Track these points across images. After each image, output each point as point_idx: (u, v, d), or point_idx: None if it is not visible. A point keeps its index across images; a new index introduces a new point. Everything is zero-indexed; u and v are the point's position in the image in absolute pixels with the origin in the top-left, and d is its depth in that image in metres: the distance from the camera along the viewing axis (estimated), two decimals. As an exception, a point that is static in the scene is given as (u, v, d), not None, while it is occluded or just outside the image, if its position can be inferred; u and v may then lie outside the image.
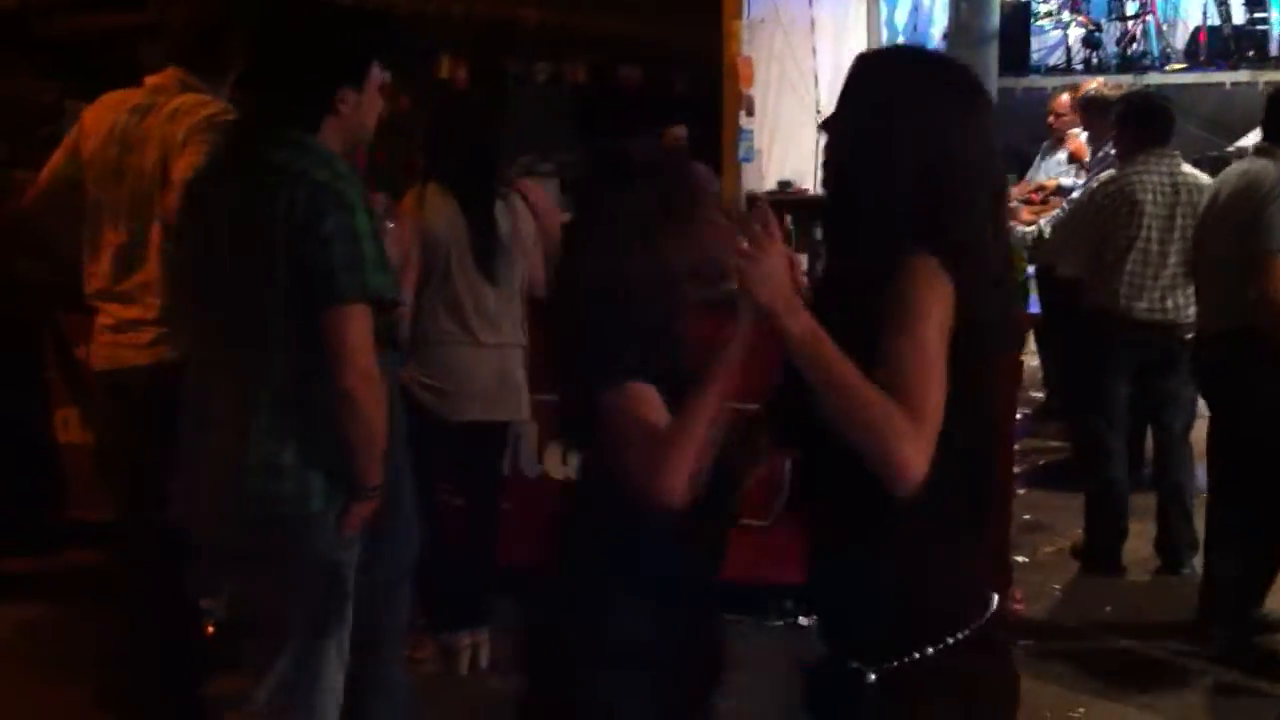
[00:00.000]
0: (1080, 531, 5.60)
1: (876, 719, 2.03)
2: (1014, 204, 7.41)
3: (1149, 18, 15.23)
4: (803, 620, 4.29)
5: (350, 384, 2.79)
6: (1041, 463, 6.84)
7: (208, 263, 2.92)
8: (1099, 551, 5.50)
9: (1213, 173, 6.96)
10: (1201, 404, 5.67)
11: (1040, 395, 7.81)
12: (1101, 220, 5.30)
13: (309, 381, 2.80)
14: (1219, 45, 14.89)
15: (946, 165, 1.97)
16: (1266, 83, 13.88)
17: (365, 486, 2.90)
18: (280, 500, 2.85)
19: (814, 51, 8.83)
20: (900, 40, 10.77)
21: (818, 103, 8.51)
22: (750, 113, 7.71)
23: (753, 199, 2.02)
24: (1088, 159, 7.50)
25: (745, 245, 1.94)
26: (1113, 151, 5.96)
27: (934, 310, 1.90)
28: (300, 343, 2.79)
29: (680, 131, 7.64)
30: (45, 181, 3.93)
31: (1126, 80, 12.35)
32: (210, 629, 3.73)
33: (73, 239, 3.86)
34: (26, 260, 4.83)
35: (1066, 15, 15.44)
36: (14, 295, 5.06)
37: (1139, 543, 5.52)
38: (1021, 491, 6.18)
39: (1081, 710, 4.32)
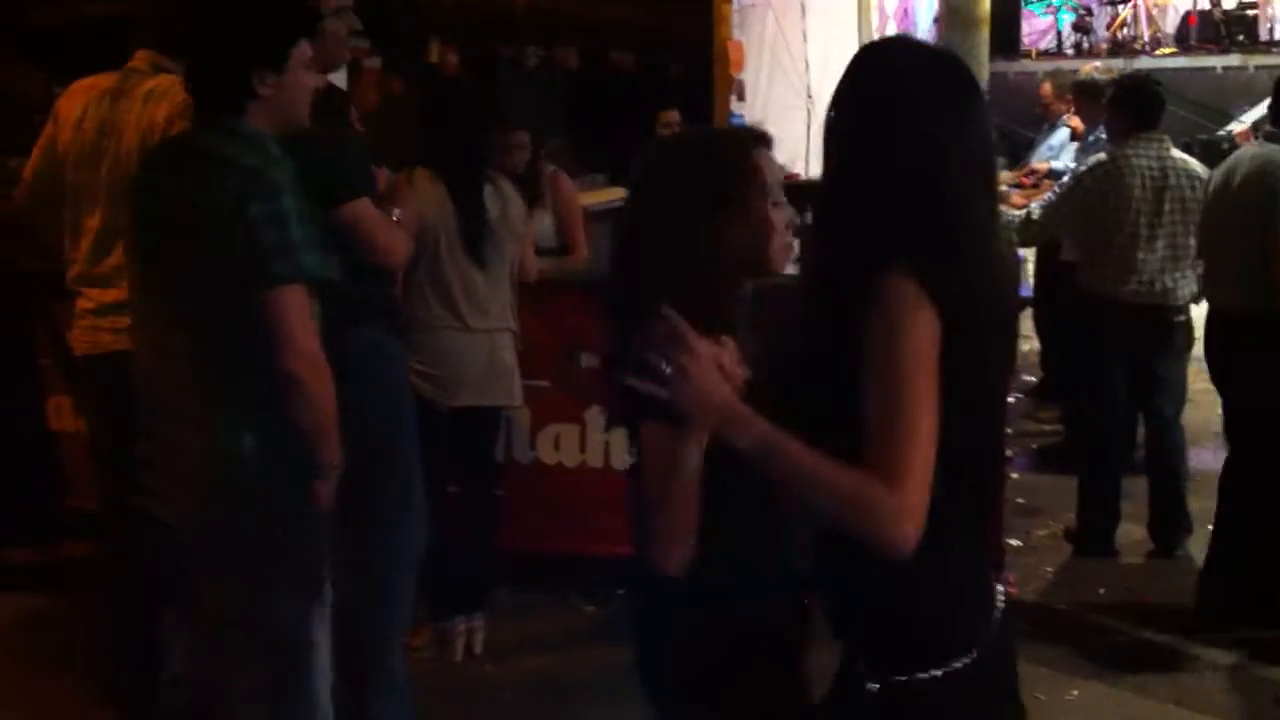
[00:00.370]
0: (1073, 515, 5.61)
1: None
2: (1005, 189, 7.43)
3: (1139, 2, 15.25)
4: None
5: (291, 365, 2.78)
6: (1035, 446, 6.85)
7: (150, 252, 2.93)
8: (1092, 534, 5.52)
9: (1203, 156, 7.02)
10: (1192, 386, 5.71)
11: (1033, 379, 7.82)
12: (1090, 203, 5.31)
13: (258, 367, 2.80)
14: (1209, 30, 14.92)
15: (943, 165, 1.92)
16: (1257, 67, 13.94)
17: (324, 465, 2.89)
18: (244, 487, 2.85)
19: (805, 36, 8.83)
20: (891, 24, 10.75)
21: (808, 87, 8.52)
22: (741, 97, 7.71)
23: (659, 312, 1.91)
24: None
25: (666, 370, 1.88)
26: (1104, 135, 5.98)
27: (913, 343, 1.84)
28: (243, 328, 2.78)
29: (673, 116, 7.64)
30: (29, 176, 3.93)
31: (1117, 65, 12.35)
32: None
33: (59, 227, 3.86)
34: (18, 248, 4.81)
35: (1057, -1, 15.48)
36: (6, 283, 5.05)
37: (1132, 526, 5.53)
38: (1015, 475, 6.18)
39: (1075, 693, 4.33)
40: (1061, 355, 6.90)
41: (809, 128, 8.23)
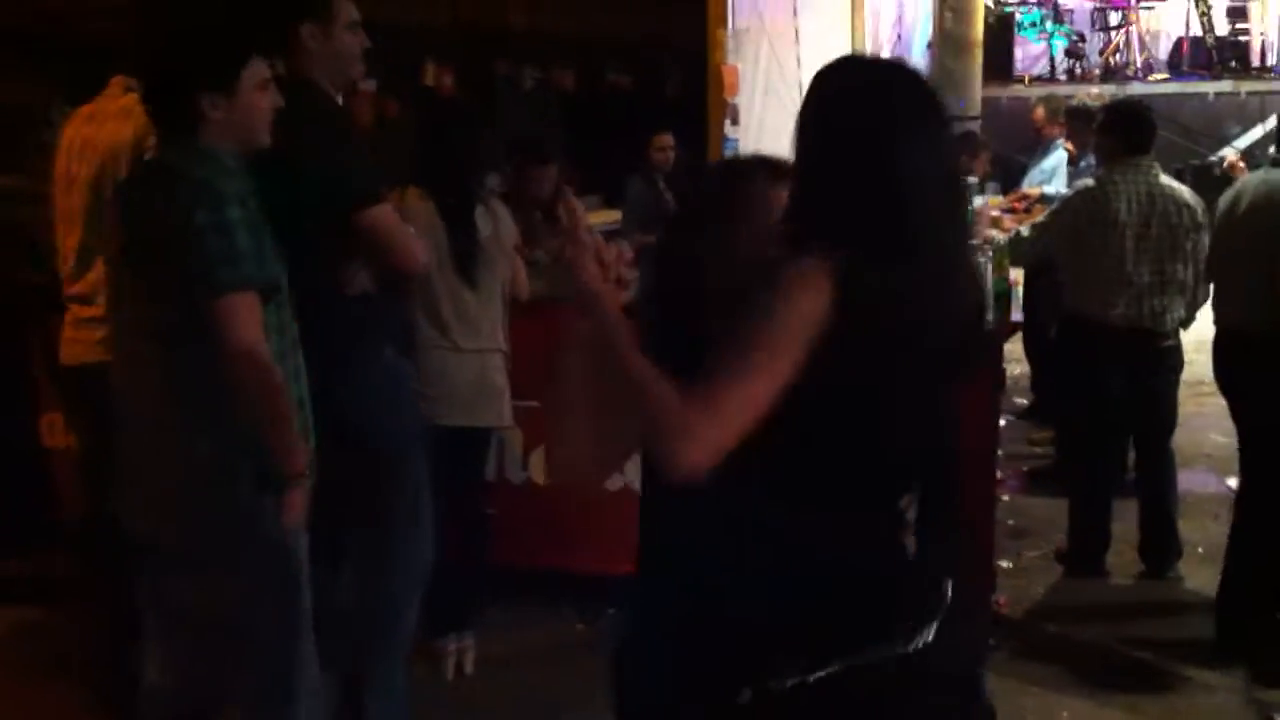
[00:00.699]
0: (1064, 536, 5.62)
1: None
2: (996, 213, 7.47)
3: (1132, 28, 15.33)
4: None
5: (240, 373, 2.81)
6: (1025, 469, 6.86)
7: (125, 262, 2.99)
8: (1083, 556, 5.53)
9: (1195, 181, 7.07)
10: (1183, 409, 5.73)
11: (1024, 402, 7.84)
12: (1077, 226, 5.35)
13: (213, 374, 2.83)
14: (1201, 55, 14.99)
15: (884, 174, 1.95)
16: (1248, 93, 14.02)
17: (289, 474, 2.90)
18: (205, 493, 2.88)
19: (799, 62, 8.86)
20: (885, 49, 10.80)
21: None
22: (735, 121, 7.74)
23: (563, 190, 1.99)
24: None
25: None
26: (1094, 160, 6.02)
27: (782, 317, 1.86)
28: (197, 336, 2.82)
29: (667, 140, 7.69)
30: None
31: (1110, 90, 12.43)
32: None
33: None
34: (15, 261, 4.88)
35: (1050, 25, 15.52)
36: (3, 297, 5.10)
37: (1122, 547, 5.55)
38: (1005, 497, 6.20)
39: (1065, 715, 4.33)
40: (1051, 378, 6.92)
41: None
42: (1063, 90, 12.57)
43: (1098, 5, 15.59)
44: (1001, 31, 14.75)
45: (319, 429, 3.07)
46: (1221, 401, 4.93)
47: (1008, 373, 7.11)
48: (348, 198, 3.33)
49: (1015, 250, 5.63)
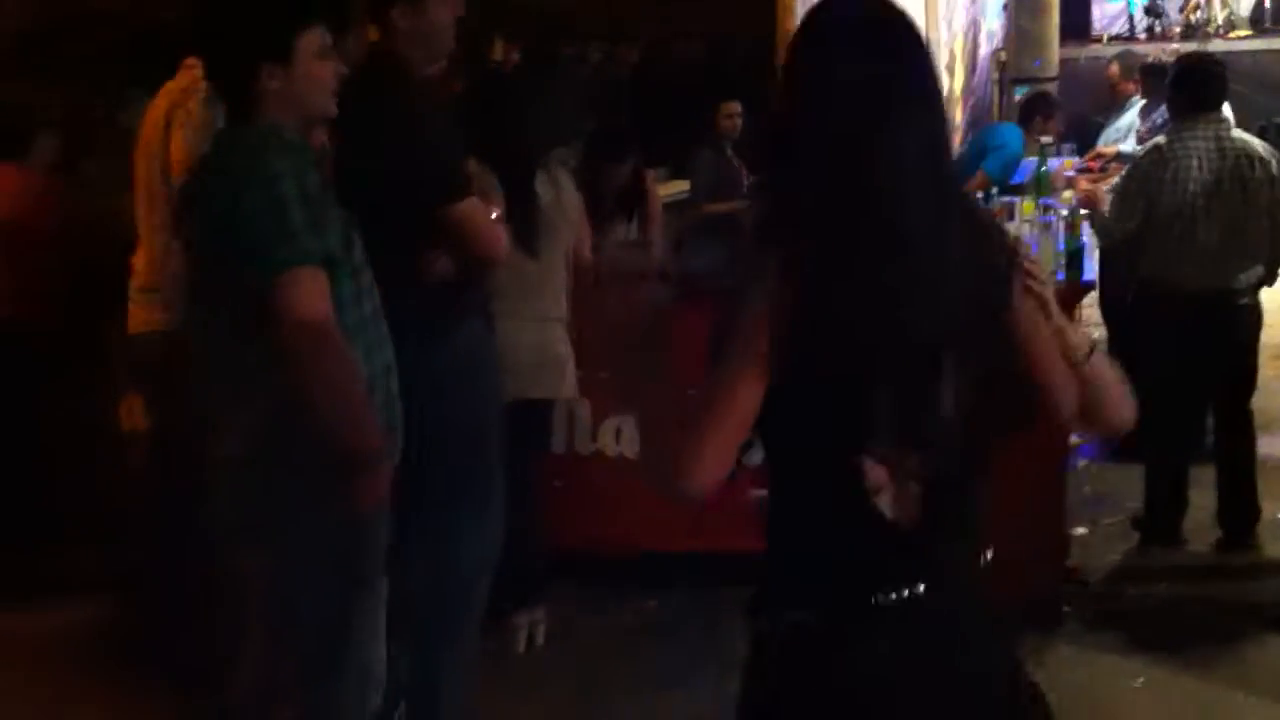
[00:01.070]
0: (1141, 503, 5.55)
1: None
2: (1071, 173, 7.35)
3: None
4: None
5: (303, 348, 2.74)
6: (1103, 435, 6.78)
7: (190, 260, 3.01)
8: (1159, 523, 5.45)
9: (1278, 139, 6.88)
10: (1262, 373, 5.61)
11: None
12: (1148, 187, 5.23)
13: (277, 361, 2.78)
14: (1285, 11, 14.65)
15: (803, 115, 1.89)
16: (1332, 48, 13.66)
17: (357, 455, 2.82)
18: (270, 482, 2.86)
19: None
20: (959, 9, 10.64)
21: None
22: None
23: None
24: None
25: None
26: (1165, 118, 5.89)
27: (744, 323, 1.86)
28: (260, 323, 2.77)
29: (734, 107, 7.64)
30: None
31: (1190, 48, 12.16)
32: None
33: None
34: (96, 250, 5.01)
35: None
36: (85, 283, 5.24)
37: (1199, 514, 5.46)
38: (1082, 463, 6.15)
39: (1140, 680, 4.30)
40: (1128, 343, 6.80)
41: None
42: (1141, 49, 12.32)
43: (1178, -38, 15.30)
44: (1079, -10, 14.51)
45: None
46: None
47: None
48: (438, 192, 3.29)
49: (1107, 237, 5.48)
